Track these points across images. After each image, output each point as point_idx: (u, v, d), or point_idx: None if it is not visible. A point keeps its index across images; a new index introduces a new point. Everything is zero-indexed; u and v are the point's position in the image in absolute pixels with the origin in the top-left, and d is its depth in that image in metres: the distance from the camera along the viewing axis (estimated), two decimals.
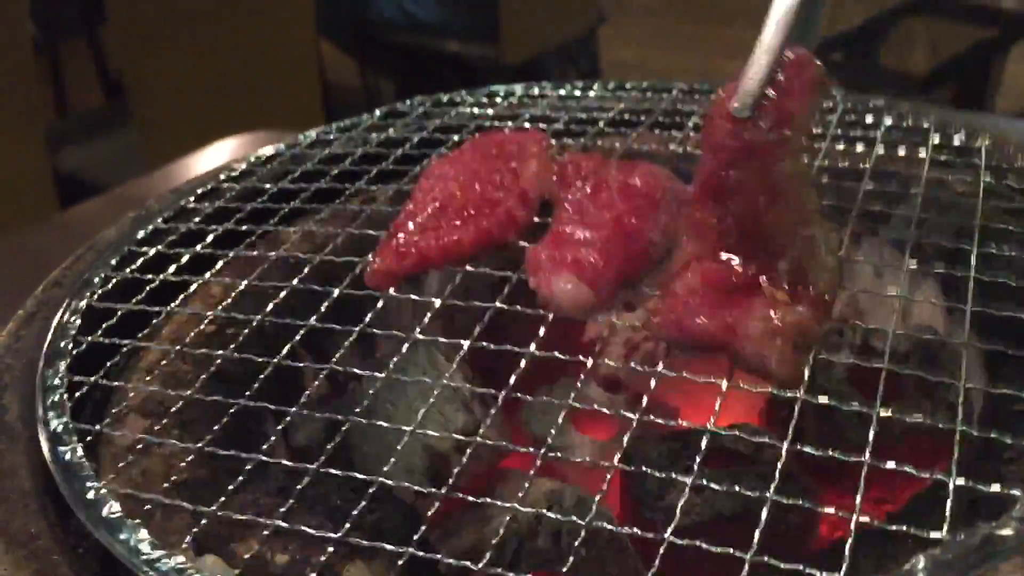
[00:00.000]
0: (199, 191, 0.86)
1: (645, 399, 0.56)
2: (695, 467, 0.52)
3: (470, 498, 0.51)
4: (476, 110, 0.97)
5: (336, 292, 0.67)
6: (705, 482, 0.50)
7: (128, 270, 0.75)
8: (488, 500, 0.51)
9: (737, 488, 0.49)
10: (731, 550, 0.45)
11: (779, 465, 0.50)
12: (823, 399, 0.53)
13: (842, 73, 3.25)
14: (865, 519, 0.46)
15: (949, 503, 0.46)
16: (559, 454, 0.53)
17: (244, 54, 2.42)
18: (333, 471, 0.53)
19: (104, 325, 0.68)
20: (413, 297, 0.66)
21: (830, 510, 0.48)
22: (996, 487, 0.47)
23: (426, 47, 3.18)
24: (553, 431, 0.56)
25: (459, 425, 0.65)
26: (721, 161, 0.58)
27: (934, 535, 0.44)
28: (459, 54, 3.11)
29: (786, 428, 0.53)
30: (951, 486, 0.47)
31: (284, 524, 0.50)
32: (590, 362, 0.59)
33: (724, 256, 0.56)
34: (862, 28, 3.30)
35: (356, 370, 0.61)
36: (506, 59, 3.00)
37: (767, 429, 0.68)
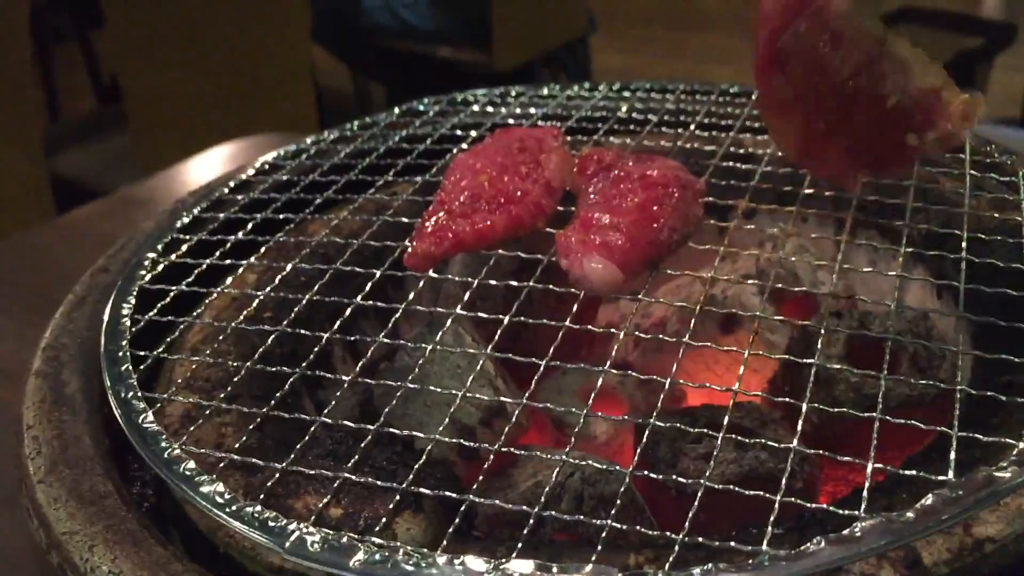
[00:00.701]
0: (232, 183, 0.91)
1: (675, 368, 0.60)
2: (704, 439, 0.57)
3: (520, 451, 0.56)
4: (490, 108, 1.02)
5: (378, 273, 0.72)
6: (717, 451, 0.55)
7: (174, 255, 0.79)
8: (534, 453, 0.56)
9: (762, 440, 0.55)
10: (762, 493, 0.51)
11: (799, 421, 0.55)
12: (835, 366, 0.59)
13: None
14: (879, 466, 0.52)
15: (953, 452, 0.52)
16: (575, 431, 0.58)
17: (239, 60, 2.46)
18: (393, 430, 0.58)
19: (159, 304, 0.72)
20: (452, 277, 0.71)
21: (847, 459, 0.53)
22: (993, 438, 0.53)
23: (418, 53, 3.23)
24: (571, 407, 0.62)
25: (485, 401, 0.70)
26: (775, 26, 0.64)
27: (941, 478, 0.50)
28: (450, 60, 3.17)
29: (799, 394, 0.59)
30: (954, 436, 0.53)
31: (349, 476, 0.54)
32: (621, 334, 0.64)
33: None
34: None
35: (405, 342, 0.66)
36: (497, 65, 3.06)
37: (769, 408, 0.74)
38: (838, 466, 0.73)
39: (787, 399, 0.58)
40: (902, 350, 0.71)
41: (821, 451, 0.54)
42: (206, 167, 1.70)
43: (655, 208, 0.70)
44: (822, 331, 0.62)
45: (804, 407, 0.56)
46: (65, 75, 3.84)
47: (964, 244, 0.70)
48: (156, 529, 0.60)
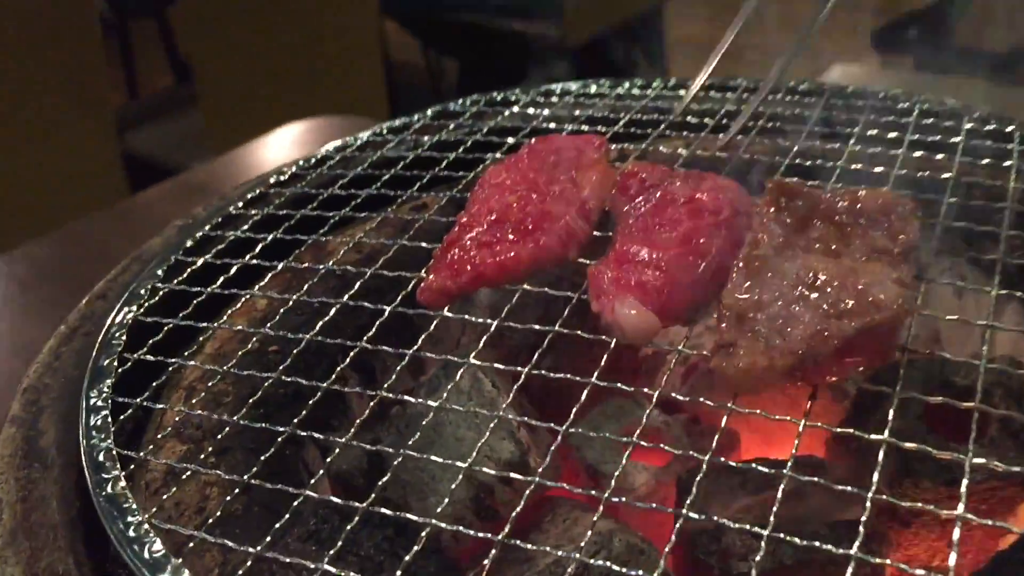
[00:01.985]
0: (248, 196, 0.84)
1: (717, 438, 0.52)
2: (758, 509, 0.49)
3: (517, 542, 0.48)
4: (531, 110, 0.93)
5: (387, 312, 0.64)
6: (783, 535, 0.46)
7: (175, 281, 0.72)
8: (541, 548, 0.48)
9: (817, 543, 0.46)
10: None
11: (863, 518, 0.46)
12: (911, 444, 0.49)
13: (915, 52, 3.15)
14: None
15: None
16: (614, 498, 0.49)
17: (308, 36, 2.43)
18: (384, 510, 0.50)
19: (150, 342, 0.66)
20: (468, 318, 0.63)
21: (921, 573, 0.44)
22: None
23: (489, 26, 3.15)
24: (608, 453, 0.53)
25: (505, 456, 0.62)
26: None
27: None
28: (522, 33, 3.07)
29: (857, 467, 0.50)
30: None
31: (329, 568, 0.47)
32: (656, 395, 0.55)
33: None
34: (937, 5, 3.19)
35: (405, 396, 0.58)
36: (569, 38, 2.96)
37: (833, 463, 0.64)
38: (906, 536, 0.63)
39: (848, 487, 0.48)
40: (993, 407, 0.60)
41: (886, 560, 0.44)
42: (270, 150, 1.66)
43: (702, 241, 0.61)
44: (895, 398, 0.52)
45: (868, 499, 0.47)
46: (144, 52, 3.86)
47: None
48: None
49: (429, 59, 3.68)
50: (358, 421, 0.57)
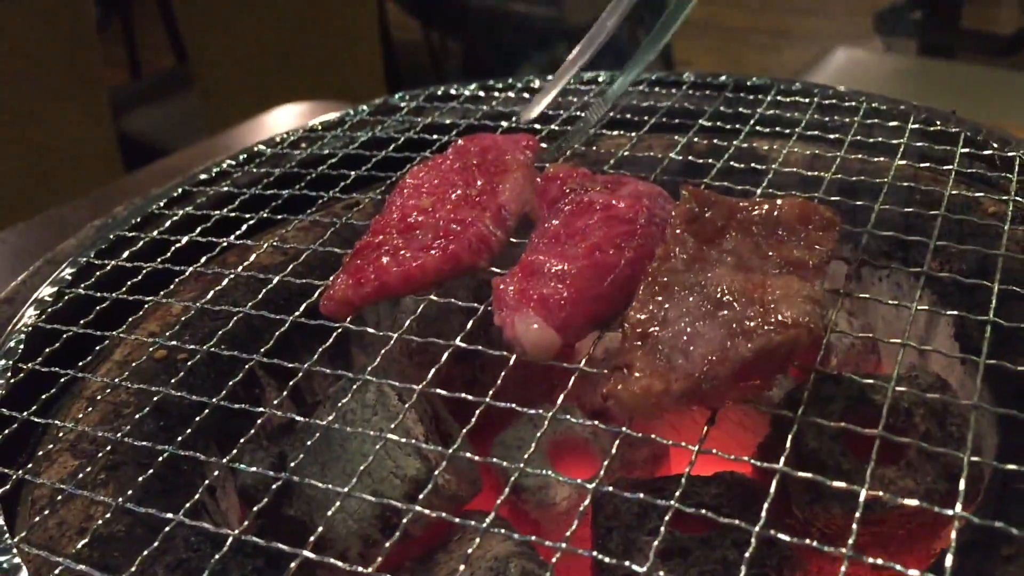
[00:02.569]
0: (172, 195, 0.82)
1: (605, 464, 0.49)
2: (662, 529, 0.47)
3: None
4: (470, 106, 0.91)
5: (287, 322, 0.62)
6: (661, 574, 0.44)
7: (82, 286, 0.70)
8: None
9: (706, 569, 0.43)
10: None
11: (747, 555, 0.43)
12: (805, 474, 0.47)
13: (922, 34, 3.10)
14: None
15: None
16: (502, 530, 0.47)
17: (307, 18, 2.40)
18: (256, 539, 0.48)
19: (46, 351, 0.64)
20: (369, 330, 0.61)
21: None
22: None
23: (491, 7, 3.11)
24: (521, 473, 0.51)
25: (411, 473, 0.59)
26: None
27: None
28: (523, 14, 3.04)
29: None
30: None
31: None
32: (550, 416, 0.53)
33: None
34: None
35: (295, 416, 0.56)
36: (570, 19, 2.93)
37: (755, 480, 0.62)
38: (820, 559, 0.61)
39: (736, 521, 0.46)
40: (911, 428, 0.58)
41: None
42: (263, 131, 1.63)
43: (611, 252, 0.58)
44: (795, 424, 0.50)
45: (754, 533, 0.44)
46: (148, 31, 3.83)
47: (994, 300, 0.56)
48: None
49: (431, 41, 3.65)
50: (242, 441, 0.55)
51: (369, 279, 0.61)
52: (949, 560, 0.42)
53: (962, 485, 0.45)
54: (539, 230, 0.64)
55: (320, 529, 0.48)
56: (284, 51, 2.41)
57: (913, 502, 0.45)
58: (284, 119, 1.68)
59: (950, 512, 0.44)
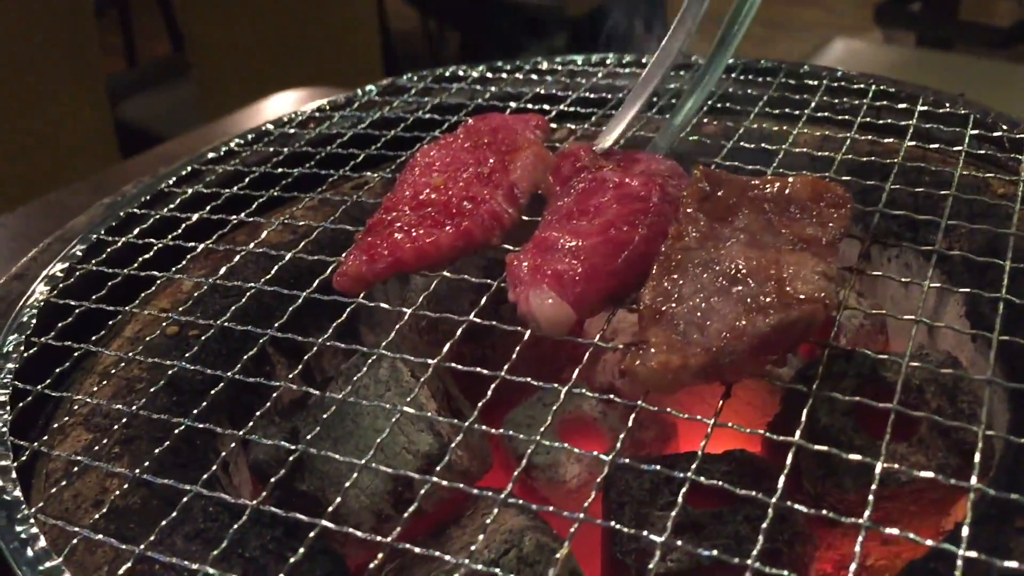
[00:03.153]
0: (180, 173, 0.82)
1: (621, 439, 0.49)
2: (677, 502, 0.47)
3: (416, 549, 0.46)
4: (478, 87, 0.90)
5: (300, 298, 0.62)
6: (679, 542, 0.44)
7: (93, 262, 0.70)
8: (432, 553, 0.46)
9: (715, 552, 0.44)
10: None
11: (763, 526, 0.44)
12: (820, 447, 0.47)
13: (919, 26, 3.10)
14: None
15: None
16: (520, 501, 0.47)
17: (304, 6, 2.39)
18: (274, 509, 0.48)
19: (59, 325, 0.64)
20: (383, 305, 0.61)
21: None
22: (1012, 563, 0.41)
23: None
24: (533, 449, 0.51)
25: (424, 449, 0.60)
26: None
27: None
28: (522, 3, 3.03)
29: (781, 466, 0.48)
30: (959, 558, 0.41)
31: (211, 571, 0.45)
32: (564, 389, 0.53)
33: None
34: None
35: (309, 389, 0.56)
36: (569, 9, 2.92)
37: (765, 458, 0.62)
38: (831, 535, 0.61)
39: (753, 492, 0.46)
40: (923, 404, 0.58)
41: (785, 572, 0.42)
42: (261, 117, 1.63)
43: (625, 229, 0.58)
44: (811, 397, 0.50)
45: (771, 506, 0.45)
46: (143, 19, 3.82)
47: (1005, 278, 0.57)
48: None
49: (429, 30, 3.64)
50: (257, 414, 0.55)
51: (382, 255, 0.61)
52: (966, 531, 0.42)
53: (977, 458, 0.46)
54: (552, 207, 0.64)
55: (338, 500, 0.49)
56: (281, 39, 2.41)
57: (928, 474, 0.46)
58: (282, 106, 1.68)
59: (966, 484, 0.45)
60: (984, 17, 3.25)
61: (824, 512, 0.44)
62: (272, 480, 0.50)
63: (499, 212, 0.64)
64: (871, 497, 0.44)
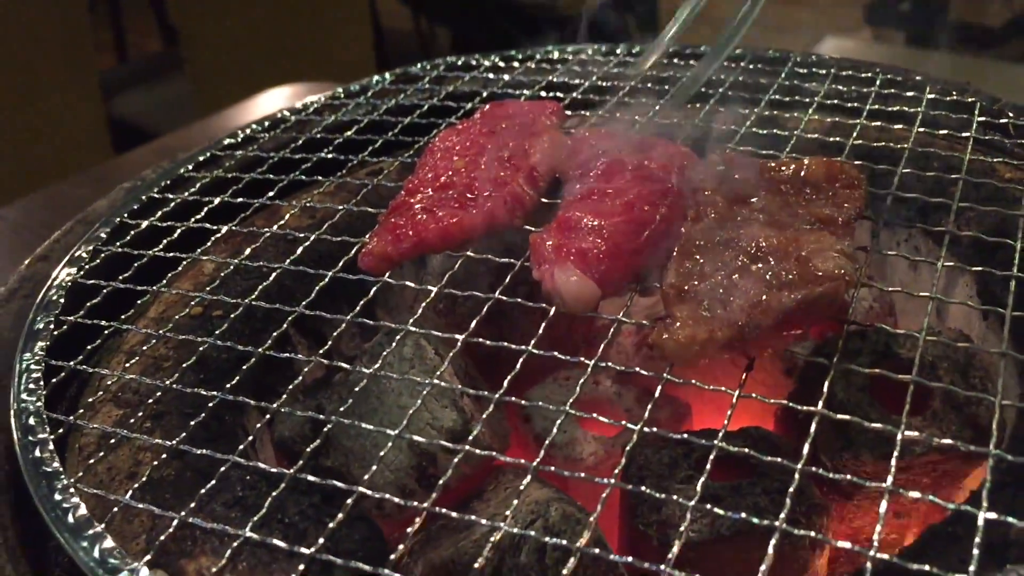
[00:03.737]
0: (199, 159, 0.83)
1: (648, 409, 0.51)
2: (699, 476, 0.48)
3: (452, 513, 0.47)
4: (491, 75, 0.92)
5: (328, 276, 0.63)
6: (708, 506, 0.46)
7: (118, 244, 0.71)
8: (467, 517, 0.47)
9: (743, 515, 0.45)
10: None
11: (791, 489, 0.45)
12: (843, 416, 0.49)
13: (908, 26, 3.13)
14: (883, 556, 0.42)
15: (977, 539, 0.42)
16: (552, 468, 0.49)
17: (296, 3, 2.40)
18: (311, 477, 0.49)
19: (88, 304, 0.65)
20: (410, 284, 0.62)
21: (845, 544, 0.44)
22: None
23: None
24: (553, 429, 0.53)
25: (448, 425, 0.61)
26: None
27: None
28: (515, 2, 3.04)
29: (801, 432, 0.49)
30: (980, 519, 0.43)
31: (252, 535, 0.46)
32: (591, 362, 0.54)
33: None
34: None
35: (341, 364, 0.57)
36: (562, 7, 2.93)
37: (780, 435, 0.64)
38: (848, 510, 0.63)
39: (779, 458, 0.47)
40: (937, 380, 0.60)
41: (811, 532, 0.44)
42: (255, 112, 1.64)
43: (646, 208, 0.60)
44: (832, 370, 0.52)
45: (797, 471, 0.46)
46: (134, 15, 3.82)
47: (1016, 257, 0.58)
48: None
49: (420, 27, 3.65)
50: (290, 387, 0.56)
51: (407, 235, 0.63)
52: (985, 494, 0.44)
53: (994, 425, 0.47)
54: (571, 189, 0.66)
55: (373, 468, 0.50)
56: (275, 35, 2.42)
57: (948, 441, 0.47)
58: (276, 101, 1.69)
59: (985, 450, 0.46)
60: (974, 16, 3.29)
61: (848, 477, 0.46)
62: (308, 449, 0.51)
63: (520, 194, 0.65)
64: (893, 462, 0.46)
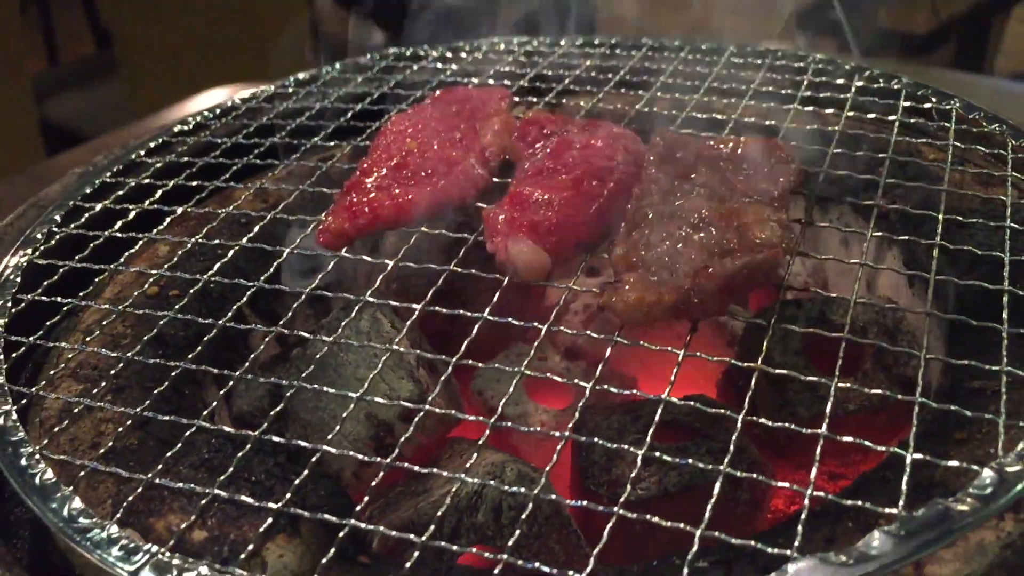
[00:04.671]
0: (150, 145, 0.83)
1: (600, 368, 0.54)
2: (645, 439, 0.51)
3: (415, 468, 0.49)
4: (439, 65, 0.94)
5: (286, 252, 0.65)
6: (657, 454, 0.48)
7: (72, 226, 0.72)
8: (430, 470, 0.49)
9: (689, 460, 0.48)
10: (681, 525, 0.44)
11: (734, 437, 0.48)
12: (781, 371, 0.52)
13: (841, 33, 3.24)
14: (819, 494, 0.45)
15: (906, 477, 0.45)
16: (508, 423, 0.51)
17: (233, 4, 2.38)
18: (275, 438, 0.51)
19: (45, 283, 0.65)
20: (366, 258, 0.64)
21: (784, 484, 0.47)
22: (954, 462, 0.46)
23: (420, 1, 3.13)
24: (505, 400, 0.55)
25: (404, 394, 0.63)
26: None
27: (890, 510, 0.43)
28: (454, 7, 3.07)
29: (741, 400, 0.52)
30: (908, 459, 0.46)
31: (219, 492, 0.48)
32: (543, 328, 0.57)
33: None
34: None
35: (301, 333, 0.59)
36: (502, 13, 2.96)
37: (722, 402, 0.67)
38: (785, 471, 0.66)
39: (723, 411, 0.50)
40: (867, 343, 0.63)
41: (753, 474, 0.47)
42: (188, 114, 1.63)
43: (594, 183, 0.63)
44: (770, 330, 0.55)
45: (739, 420, 0.49)
46: (64, 17, 3.75)
47: (939, 228, 0.62)
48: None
49: (360, 32, 3.65)
50: (252, 356, 0.57)
51: (363, 212, 0.64)
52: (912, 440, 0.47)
53: (920, 376, 0.51)
54: (522, 168, 0.68)
55: (329, 438, 0.52)
56: (210, 38, 2.39)
57: (878, 391, 0.51)
58: (213, 101, 1.67)
59: (912, 398, 0.50)
60: (902, 25, 3.40)
61: (786, 424, 0.49)
62: (272, 413, 0.53)
63: (472, 173, 0.68)
64: (828, 408, 0.49)
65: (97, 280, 0.67)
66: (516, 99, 0.82)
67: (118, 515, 0.48)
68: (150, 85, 2.34)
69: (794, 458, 0.63)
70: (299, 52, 2.63)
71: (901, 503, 0.44)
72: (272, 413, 0.53)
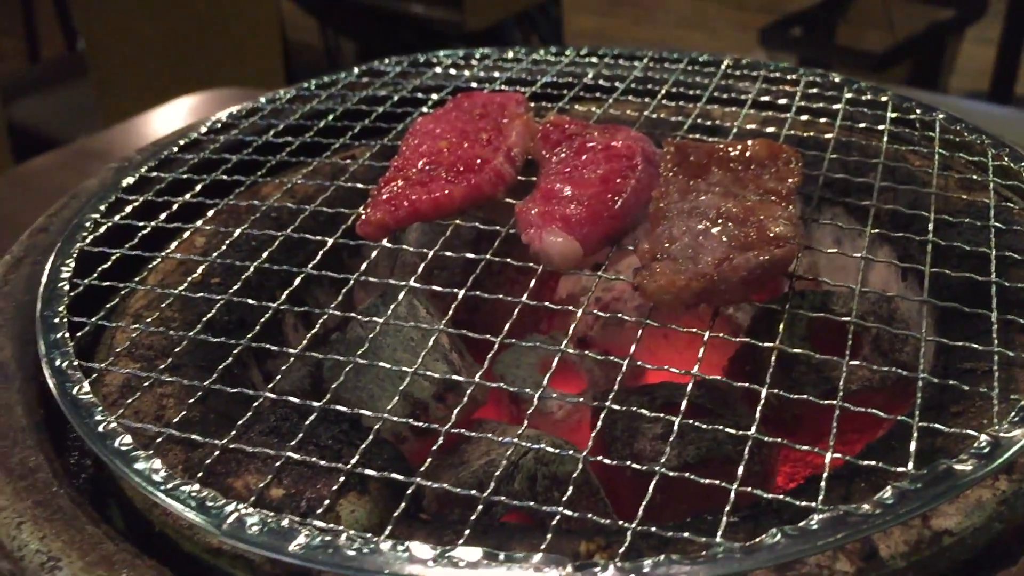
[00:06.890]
0: (181, 142, 0.88)
1: (633, 346, 0.59)
2: (670, 417, 0.56)
3: (468, 432, 0.54)
4: (453, 71, 0.99)
5: (330, 242, 0.69)
6: (691, 421, 0.54)
7: (117, 217, 0.76)
8: (484, 435, 0.54)
9: (720, 427, 0.53)
10: (717, 481, 0.49)
11: (759, 408, 0.54)
12: (797, 350, 0.58)
13: (800, 49, 3.34)
14: (838, 456, 0.51)
15: (913, 442, 0.51)
16: (538, 400, 0.56)
17: (204, 10, 2.40)
18: (340, 407, 0.56)
19: (99, 269, 0.69)
20: (405, 247, 0.69)
21: (806, 447, 0.52)
22: (954, 428, 0.52)
23: (389, 9, 3.17)
24: (528, 382, 0.60)
25: (439, 375, 0.68)
26: None
27: (900, 469, 0.49)
28: (422, 17, 3.11)
29: (748, 382, 0.57)
30: (915, 426, 0.52)
31: (292, 455, 0.52)
32: (579, 312, 0.62)
33: None
34: (823, 5, 3.39)
35: (356, 315, 0.64)
36: (469, 24, 3.01)
37: (727, 384, 0.72)
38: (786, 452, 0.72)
39: (746, 384, 0.56)
40: (865, 332, 0.69)
41: (779, 439, 0.52)
42: (167, 120, 1.66)
43: (618, 181, 0.68)
44: (785, 314, 0.60)
45: (764, 393, 0.54)
46: (44, 20, 3.74)
47: (931, 226, 0.68)
48: (90, 505, 0.57)
49: (327, 40, 3.68)
50: (310, 334, 0.62)
51: (403, 205, 0.69)
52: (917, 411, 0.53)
53: (921, 355, 0.57)
54: (546, 166, 0.73)
55: (385, 403, 0.56)
56: (181, 43, 2.40)
57: (885, 368, 0.56)
58: (189, 108, 1.70)
59: (914, 375, 0.55)
60: (859, 43, 3.52)
61: (805, 396, 0.55)
62: (333, 386, 0.58)
63: (502, 171, 0.73)
64: (841, 383, 0.55)
65: (151, 267, 0.71)
66: (531, 104, 0.87)
67: (199, 475, 0.52)
68: (120, 88, 2.34)
69: (799, 436, 0.69)
70: (271, 59, 2.65)
71: (911, 464, 0.49)
72: (335, 386, 0.57)
